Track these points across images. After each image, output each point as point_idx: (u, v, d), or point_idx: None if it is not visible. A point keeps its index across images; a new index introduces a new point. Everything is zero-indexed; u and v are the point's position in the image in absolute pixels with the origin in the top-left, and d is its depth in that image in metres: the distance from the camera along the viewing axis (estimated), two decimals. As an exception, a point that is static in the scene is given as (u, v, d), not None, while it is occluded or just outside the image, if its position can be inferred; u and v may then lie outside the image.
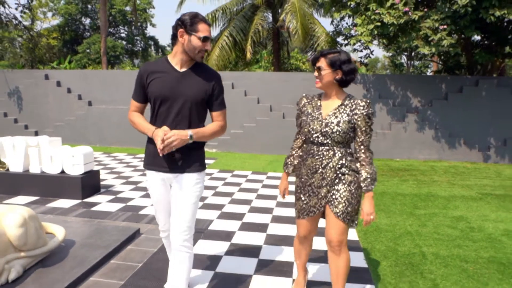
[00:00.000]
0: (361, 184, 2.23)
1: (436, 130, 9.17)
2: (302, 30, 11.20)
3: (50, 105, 10.60)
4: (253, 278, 3.02)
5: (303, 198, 2.35)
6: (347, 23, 9.44)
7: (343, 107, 2.24)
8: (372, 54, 9.73)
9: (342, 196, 2.22)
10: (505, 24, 8.30)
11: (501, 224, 4.52)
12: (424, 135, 9.21)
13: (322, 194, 2.27)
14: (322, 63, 2.22)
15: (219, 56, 12.62)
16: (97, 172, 5.56)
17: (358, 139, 2.24)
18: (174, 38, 2.23)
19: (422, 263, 3.39)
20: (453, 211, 5.03)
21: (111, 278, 2.97)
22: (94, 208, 4.75)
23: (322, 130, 2.23)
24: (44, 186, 5.19)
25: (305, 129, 2.31)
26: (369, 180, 2.20)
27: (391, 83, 9.51)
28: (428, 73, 26.73)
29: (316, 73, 2.25)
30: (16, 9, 13.37)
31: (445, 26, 7.14)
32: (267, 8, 13.54)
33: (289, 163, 2.51)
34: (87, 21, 41.00)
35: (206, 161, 8.39)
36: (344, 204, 2.22)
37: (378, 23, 7.37)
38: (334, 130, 2.20)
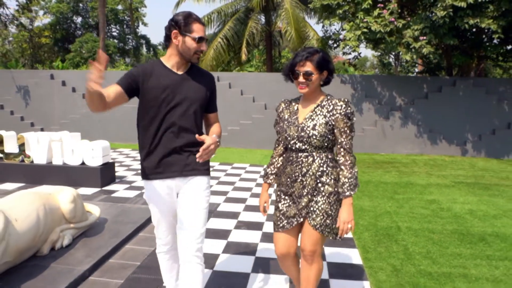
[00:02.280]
0: (339, 190, 2.07)
1: (418, 127, 9.97)
2: (296, 35, 11.94)
3: (56, 103, 11.13)
4: (259, 245, 3.71)
5: (281, 208, 2.21)
6: (335, 29, 10.13)
7: (319, 108, 2.11)
8: (360, 56, 10.47)
9: (320, 208, 2.09)
10: (479, 30, 9.08)
11: (467, 205, 5.28)
12: (407, 131, 10.00)
13: (303, 204, 2.12)
14: (309, 67, 2.04)
15: (213, 57, 13.26)
16: (113, 164, 6.18)
17: (337, 142, 2.10)
18: (168, 39, 2.12)
19: (397, 234, 4.11)
20: (427, 196, 5.78)
21: (142, 245, 3.63)
22: (114, 195, 5.38)
23: (299, 136, 2.10)
24: (66, 176, 5.79)
25: (283, 136, 2.19)
26: (346, 185, 2.04)
27: (377, 83, 10.28)
28: (415, 72, 27.63)
29: (302, 79, 2.06)
30: (18, 11, 13.75)
31: (425, 37, 7.88)
32: (261, 12, 14.22)
33: (270, 172, 2.33)
34: (78, 19, 41.06)
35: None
36: (322, 217, 2.09)
37: (366, 30, 8.10)
38: (310, 134, 2.06)
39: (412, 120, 9.99)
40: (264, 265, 3.27)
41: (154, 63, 2.15)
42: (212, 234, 3.93)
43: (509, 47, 9.57)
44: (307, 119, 2.11)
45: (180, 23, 2.04)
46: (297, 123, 2.13)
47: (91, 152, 5.76)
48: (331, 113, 2.07)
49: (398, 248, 3.71)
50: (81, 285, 2.85)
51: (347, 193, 2.03)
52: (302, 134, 2.08)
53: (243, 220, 4.45)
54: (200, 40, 2.06)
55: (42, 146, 5.86)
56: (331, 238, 2.15)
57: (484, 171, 7.88)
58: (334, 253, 3.53)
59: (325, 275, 3.10)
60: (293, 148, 2.15)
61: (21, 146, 6.01)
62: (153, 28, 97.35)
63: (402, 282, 3.04)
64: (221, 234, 3.98)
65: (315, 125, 2.07)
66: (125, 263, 3.25)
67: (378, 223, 4.45)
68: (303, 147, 2.11)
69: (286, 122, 2.19)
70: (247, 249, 3.60)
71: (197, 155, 1.96)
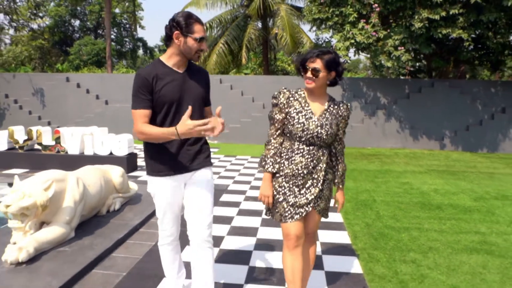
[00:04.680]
0: (338, 180, 2.40)
1: (400, 124, 11.10)
2: (291, 40, 13.08)
3: (71, 104, 12.12)
4: (259, 229, 4.75)
5: (289, 199, 2.25)
6: (326, 37, 11.25)
7: (331, 109, 2.29)
8: (350, 61, 11.59)
9: (325, 195, 2.31)
10: (453, 38, 10.23)
11: (433, 186, 6.38)
12: (390, 127, 11.12)
13: (315, 195, 2.25)
14: (318, 64, 2.15)
15: (216, 62, 14.33)
16: (136, 154, 7.21)
17: (337, 136, 2.36)
18: (169, 39, 2.16)
19: (372, 204, 5.19)
20: (402, 179, 6.87)
21: (173, 212, 4.67)
22: (139, 179, 6.41)
23: (318, 132, 2.20)
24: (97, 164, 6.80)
25: (297, 128, 2.21)
26: (343, 176, 2.41)
27: (363, 85, 11.41)
28: (405, 73, 28.87)
29: (310, 74, 2.17)
30: (30, 17, 14.67)
31: (403, 47, 9.00)
32: (258, 18, 15.33)
33: (273, 161, 2.29)
34: (76, 22, 41.80)
35: (211, 149, 10.10)
36: (325, 202, 2.33)
37: (352, 41, 9.23)
38: (329, 133, 2.22)
39: (395, 118, 11.12)
40: (264, 245, 4.31)
41: (154, 64, 2.20)
42: (226, 204, 4.98)
43: (480, 53, 10.72)
44: (323, 117, 2.24)
45: (182, 24, 2.11)
46: (314, 118, 2.22)
47: (118, 144, 6.78)
48: (339, 114, 2.31)
49: (371, 213, 4.79)
50: (135, 234, 3.89)
51: (344, 182, 2.45)
52: (322, 131, 2.20)
53: (250, 195, 5.51)
54: (201, 40, 2.14)
55: (75, 139, 6.86)
56: (325, 217, 2.43)
57: (456, 162, 9.01)
58: (322, 215, 4.60)
59: (314, 227, 4.17)
60: (306, 141, 2.22)
61: (57, 139, 7.01)
62: (150, 30, 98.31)
63: (371, 232, 4.11)
64: (233, 204, 5.04)
65: (331, 124, 2.24)
66: (163, 221, 4.29)
67: (358, 197, 5.53)
68: (317, 142, 2.22)
69: (301, 114, 2.22)
70: (250, 231, 4.65)
71: (215, 132, 2.03)
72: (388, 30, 9.28)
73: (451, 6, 8.44)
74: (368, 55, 11.79)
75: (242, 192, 5.67)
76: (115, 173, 4.44)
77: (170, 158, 2.22)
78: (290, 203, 2.23)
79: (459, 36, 8.83)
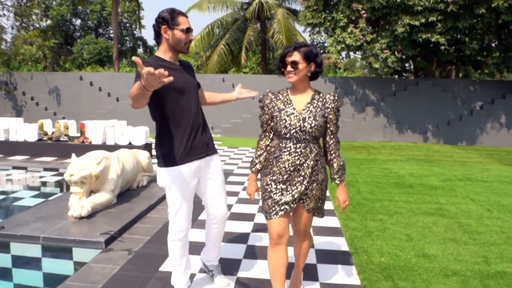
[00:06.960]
0: (335, 176, 2.30)
1: (387, 119, 12.12)
2: (287, 42, 14.06)
3: (84, 101, 13.08)
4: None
5: (274, 197, 2.27)
6: (320, 39, 12.20)
7: (315, 101, 2.27)
8: (343, 60, 12.62)
9: (314, 194, 2.28)
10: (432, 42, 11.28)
11: (409, 170, 7.39)
12: (378, 122, 12.14)
13: (300, 192, 2.25)
14: (297, 56, 2.18)
15: (217, 62, 15.31)
16: (151, 144, 8.19)
17: (328, 130, 2.30)
18: (158, 36, 2.28)
19: (355, 183, 6.19)
20: (384, 166, 7.89)
21: (189, 188, 5.67)
22: (155, 165, 7.39)
23: (301, 126, 2.20)
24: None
25: (281, 125, 2.24)
26: (341, 171, 2.30)
27: (353, 83, 12.42)
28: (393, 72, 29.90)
29: (290, 68, 2.20)
30: (41, 19, 15.55)
31: (389, 50, 10.02)
32: (256, 21, 16.31)
33: (258, 162, 2.39)
34: (77, 21, 42.54)
35: (214, 142, 11.09)
36: (315, 202, 2.30)
37: (343, 45, 10.25)
38: (313, 125, 2.19)
39: (383, 114, 12.14)
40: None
41: (155, 58, 2.31)
42: (233, 183, 5.99)
43: (460, 54, 11.74)
44: (305, 111, 2.23)
45: (167, 19, 2.24)
46: (296, 113, 2.22)
47: (136, 135, 7.76)
48: (325, 106, 2.26)
49: (353, 189, 5.80)
50: (162, 202, 4.87)
51: (342, 178, 2.32)
52: (305, 124, 2.19)
53: (252, 177, 6.52)
54: (187, 30, 2.27)
55: (98, 131, 7.84)
56: (319, 217, 2.38)
57: (436, 152, 10.03)
58: (312, 191, 5.61)
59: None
60: (292, 138, 2.22)
61: (82, 131, 7.97)
62: (149, 29, 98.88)
63: (351, 202, 5.12)
64: (239, 183, 6.05)
65: (315, 116, 2.21)
66: (182, 195, 5.28)
67: (344, 178, 6.54)
68: (303, 137, 2.21)
69: (283, 112, 2.25)
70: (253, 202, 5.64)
71: (246, 93, 2.92)
72: (375, 35, 10.29)
73: (430, 14, 9.45)
74: (361, 56, 12.83)
75: (245, 175, 6.67)
76: (143, 155, 5.43)
77: (188, 144, 2.35)
78: (275, 201, 2.26)
79: (437, 40, 9.84)
